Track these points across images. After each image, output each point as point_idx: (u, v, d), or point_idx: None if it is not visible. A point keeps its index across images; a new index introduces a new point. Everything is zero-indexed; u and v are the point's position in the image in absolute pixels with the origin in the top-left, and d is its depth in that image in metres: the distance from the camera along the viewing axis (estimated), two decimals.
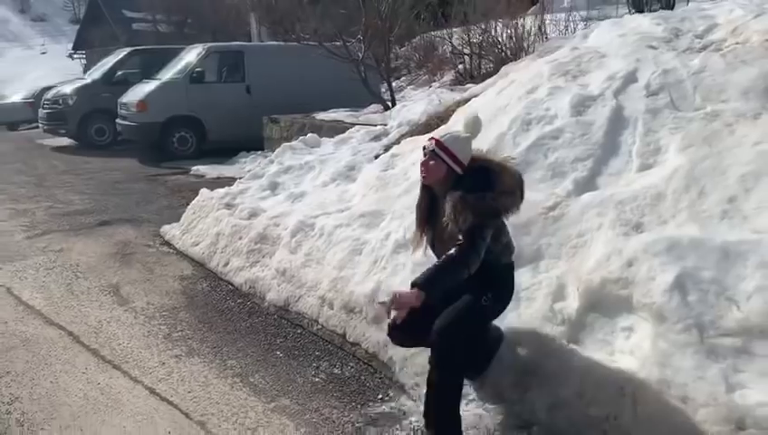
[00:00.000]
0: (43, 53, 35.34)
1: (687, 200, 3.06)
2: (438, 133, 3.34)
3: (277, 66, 10.82)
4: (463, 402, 2.72)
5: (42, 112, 12.63)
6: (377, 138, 6.59)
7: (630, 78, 4.12)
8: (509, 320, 3.00)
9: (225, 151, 10.08)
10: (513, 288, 2.84)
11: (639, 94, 3.94)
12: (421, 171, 2.75)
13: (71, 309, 4.13)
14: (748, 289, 2.56)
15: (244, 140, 10.18)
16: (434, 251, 2.84)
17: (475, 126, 2.83)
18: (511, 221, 3.51)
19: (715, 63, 3.91)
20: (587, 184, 3.56)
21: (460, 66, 11.54)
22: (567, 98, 4.12)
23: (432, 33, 13.38)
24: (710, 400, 2.31)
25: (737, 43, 4.06)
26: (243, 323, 3.99)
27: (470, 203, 2.49)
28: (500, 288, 2.76)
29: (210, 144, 10.70)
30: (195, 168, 9.41)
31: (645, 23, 5.03)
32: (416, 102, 7.65)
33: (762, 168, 2.98)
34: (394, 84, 14.02)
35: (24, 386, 3.13)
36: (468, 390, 2.87)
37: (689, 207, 3.02)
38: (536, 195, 3.62)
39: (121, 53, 13.02)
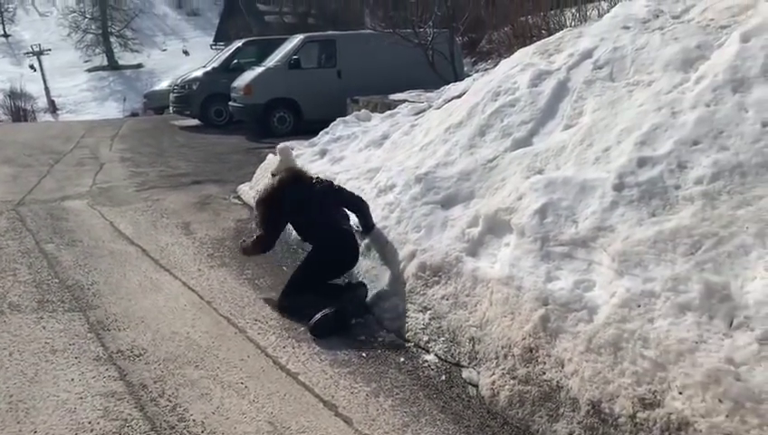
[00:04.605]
0: (186, 53, 39.46)
1: (578, 151, 3.83)
2: None
3: (366, 53, 12.04)
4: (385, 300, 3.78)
5: (171, 96, 14.71)
6: (420, 112, 7.54)
7: (587, 54, 4.79)
8: (433, 240, 3.96)
9: (316, 130, 11.40)
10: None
11: (588, 68, 4.63)
12: None
13: (149, 236, 5.56)
14: (587, 213, 3.35)
15: (335, 118, 11.45)
16: None
17: None
18: (461, 169, 4.45)
19: (656, 41, 4.51)
20: (524, 141, 4.37)
21: None
22: (529, 72, 4.90)
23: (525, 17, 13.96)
24: (532, 287, 3.15)
25: (682, 22, 4.62)
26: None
27: None
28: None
29: (305, 123, 12.08)
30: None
31: (637, 5, 5.59)
32: (464, 81, 8.48)
33: (635, 124, 3.67)
34: (482, 66, 14.78)
35: (103, 276, 4.54)
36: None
37: (577, 156, 3.79)
38: (484, 151, 4.51)
39: (237, 44, 14.85)
